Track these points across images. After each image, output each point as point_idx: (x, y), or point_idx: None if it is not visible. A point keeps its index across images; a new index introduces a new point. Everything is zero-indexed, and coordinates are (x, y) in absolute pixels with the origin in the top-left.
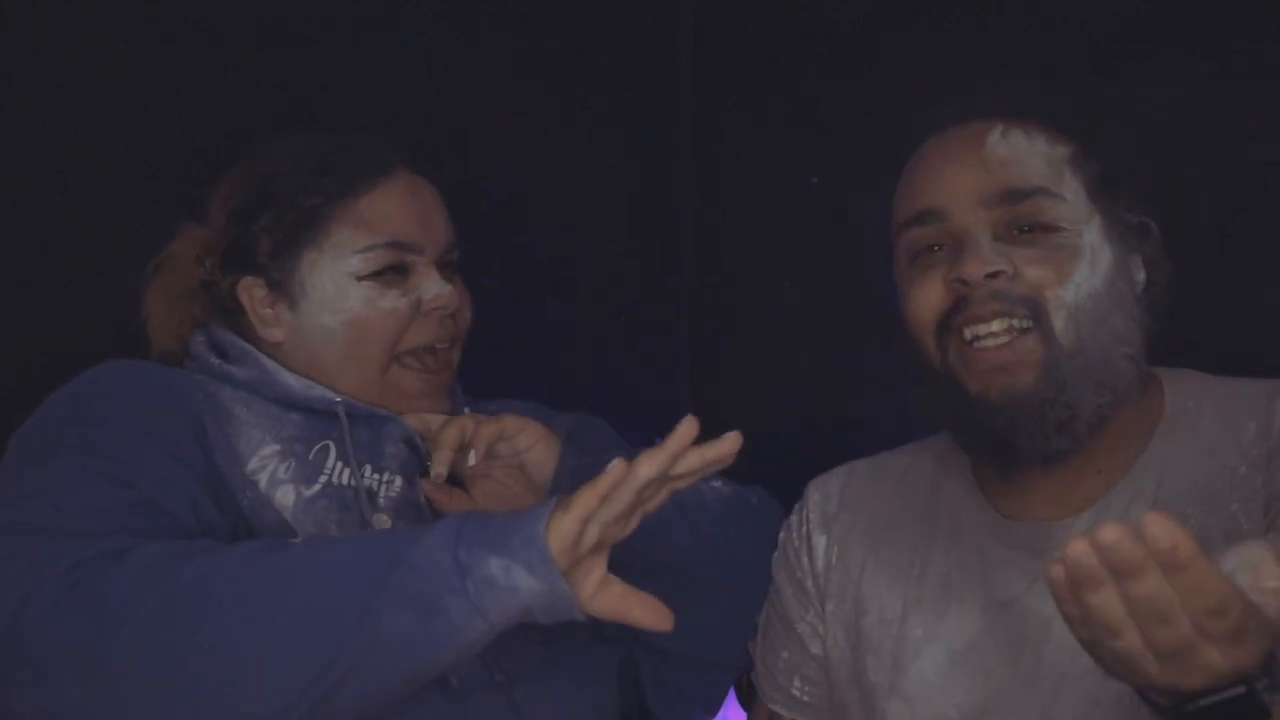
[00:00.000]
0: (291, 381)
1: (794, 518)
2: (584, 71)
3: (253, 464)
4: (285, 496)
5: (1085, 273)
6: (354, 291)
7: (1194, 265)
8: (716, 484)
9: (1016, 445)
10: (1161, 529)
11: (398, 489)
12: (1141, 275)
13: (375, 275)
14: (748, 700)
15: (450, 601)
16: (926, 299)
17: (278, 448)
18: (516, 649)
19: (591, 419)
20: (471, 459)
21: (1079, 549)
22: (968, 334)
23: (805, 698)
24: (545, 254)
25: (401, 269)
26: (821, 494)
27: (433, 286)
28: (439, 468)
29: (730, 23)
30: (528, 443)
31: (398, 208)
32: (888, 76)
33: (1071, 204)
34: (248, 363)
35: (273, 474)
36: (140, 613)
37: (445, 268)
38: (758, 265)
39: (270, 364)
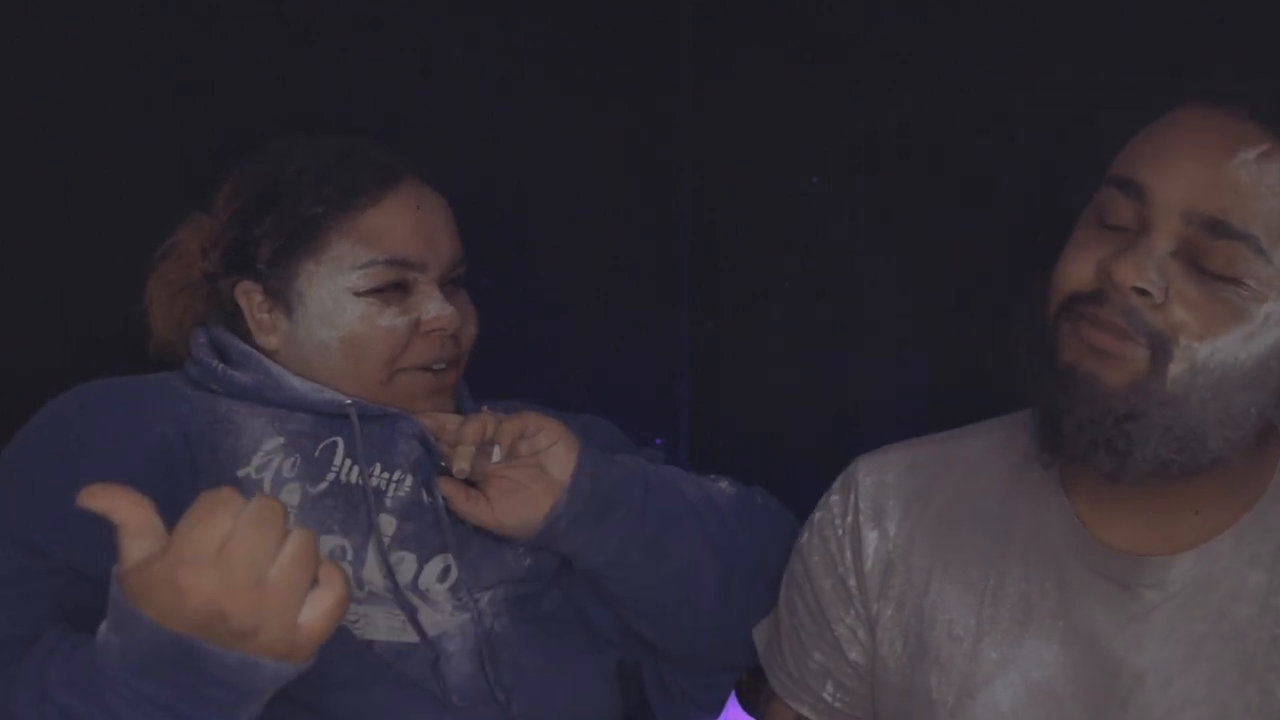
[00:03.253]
0: (298, 385)
1: (837, 500)
2: (584, 72)
3: (256, 461)
4: (291, 495)
5: (1236, 340)
6: (351, 307)
7: None
8: (724, 484)
9: (1061, 429)
10: None
11: (408, 488)
12: None
13: (374, 292)
14: (749, 702)
15: None
16: (1074, 269)
17: (281, 440)
18: (513, 663)
19: (600, 420)
20: (496, 455)
21: None
22: (1085, 326)
23: (838, 704)
24: (544, 254)
25: (402, 286)
26: (875, 481)
27: (433, 306)
28: (462, 463)
29: (729, 23)
30: (548, 441)
31: (401, 223)
32: (888, 75)
33: (1274, 269)
34: (250, 366)
35: (277, 472)
36: None
37: (449, 284)
38: (758, 265)
39: (275, 368)
